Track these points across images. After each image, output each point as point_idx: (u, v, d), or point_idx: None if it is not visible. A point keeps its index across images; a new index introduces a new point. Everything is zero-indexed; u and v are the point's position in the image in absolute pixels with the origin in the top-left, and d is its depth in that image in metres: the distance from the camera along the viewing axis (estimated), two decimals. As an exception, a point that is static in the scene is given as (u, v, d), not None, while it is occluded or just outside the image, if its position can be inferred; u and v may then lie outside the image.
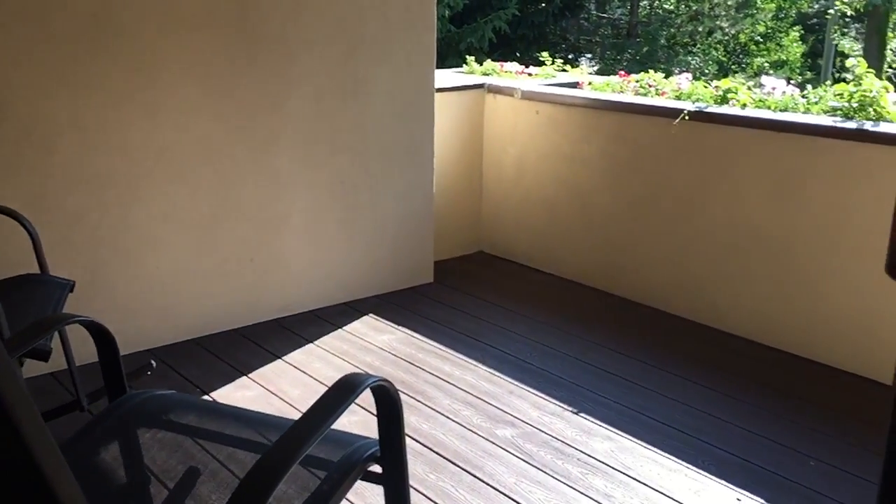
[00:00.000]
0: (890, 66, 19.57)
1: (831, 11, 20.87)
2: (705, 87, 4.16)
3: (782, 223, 3.73)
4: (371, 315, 4.20)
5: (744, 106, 3.93)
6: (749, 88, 4.08)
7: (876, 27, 20.64)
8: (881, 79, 3.68)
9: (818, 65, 23.60)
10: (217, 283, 3.92)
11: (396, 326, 4.07)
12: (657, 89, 4.39)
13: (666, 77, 4.50)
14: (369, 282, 4.41)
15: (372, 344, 3.87)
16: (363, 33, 4.10)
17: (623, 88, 4.54)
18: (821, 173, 3.59)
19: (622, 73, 4.77)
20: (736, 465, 2.91)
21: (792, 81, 4.27)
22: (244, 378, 3.52)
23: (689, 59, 17.88)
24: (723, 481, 2.81)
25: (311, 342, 3.88)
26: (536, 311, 4.30)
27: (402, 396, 3.32)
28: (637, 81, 4.51)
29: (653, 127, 4.11)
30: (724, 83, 4.06)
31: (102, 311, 3.18)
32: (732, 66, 21.79)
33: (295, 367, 3.63)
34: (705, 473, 2.85)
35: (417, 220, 4.52)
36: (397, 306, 4.32)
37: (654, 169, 4.17)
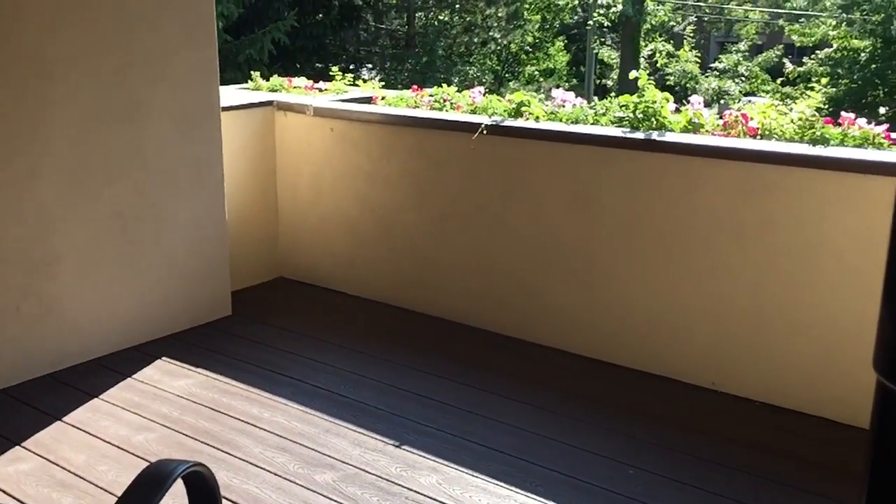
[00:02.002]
0: (646, 70, 21.22)
1: (590, 23, 22.40)
2: (499, 100, 4.17)
3: (581, 232, 3.81)
4: (164, 358, 3.81)
5: (537, 119, 3.97)
6: (540, 101, 4.13)
7: (630, 36, 22.41)
8: (637, 84, 3.84)
9: (581, 72, 25.28)
10: (-25, 338, 3.38)
11: (194, 369, 3.71)
12: (452, 103, 4.35)
13: (459, 91, 4.47)
14: (160, 321, 4.01)
15: (167, 392, 3.50)
16: (135, 48, 3.72)
17: (417, 103, 4.46)
18: (614, 183, 3.69)
19: (415, 87, 4.69)
20: (562, 482, 2.89)
21: (560, 88, 4.38)
22: (17, 448, 3.04)
23: (467, 68, 18.40)
24: (552, 502, 2.77)
25: (96, 396, 3.44)
26: (345, 337, 4.10)
27: (207, 448, 3.04)
28: (431, 96, 4.45)
29: (453, 142, 4.06)
30: (517, 96, 4.09)
31: None
32: (506, 75, 22.77)
33: (78, 428, 3.20)
34: (534, 496, 2.80)
35: (210, 249, 4.18)
36: (194, 346, 3.96)
37: (456, 184, 4.12)
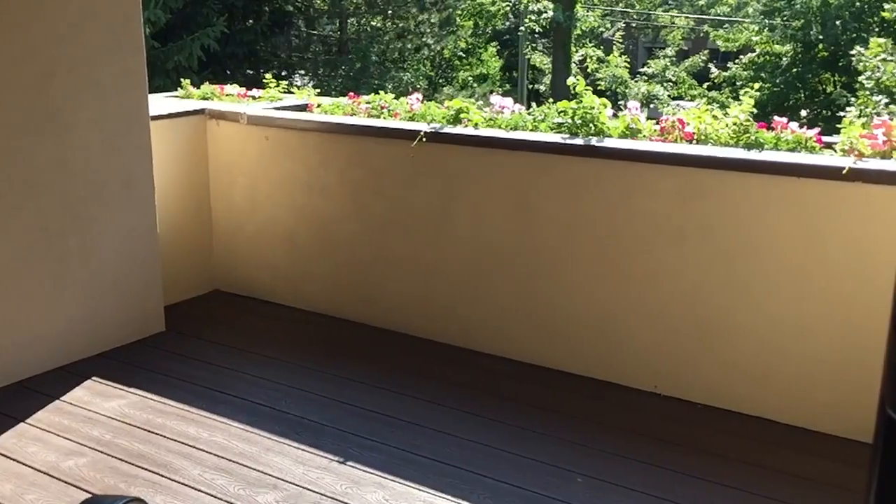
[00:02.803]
0: (578, 75, 21.48)
1: (522, 28, 22.60)
2: (437, 107, 4.13)
3: (523, 239, 3.79)
4: (95, 378, 3.66)
5: (476, 125, 3.94)
6: (478, 107, 4.11)
7: (561, 42, 22.63)
8: (569, 89, 3.85)
9: (514, 77, 25.49)
10: None
11: (127, 388, 3.57)
12: (389, 110, 4.29)
13: (395, 97, 4.42)
14: (89, 339, 3.85)
15: (99, 413, 3.36)
16: (59, 57, 3.57)
17: (354, 110, 4.39)
18: (554, 189, 3.69)
19: (351, 94, 4.62)
20: (510, 493, 2.86)
21: (494, 93, 4.36)
22: (-64, 480, 2.87)
23: (401, 74, 18.34)
24: (501, 514, 2.74)
25: (22, 421, 3.28)
26: (285, 350, 4.01)
27: (143, 473, 2.92)
28: (368, 103, 4.39)
29: (391, 149, 4.01)
30: (456, 103, 4.06)
31: None
32: (440, 81, 22.79)
33: (3, 455, 3.04)
34: (483, 508, 2.76)
35: (141, 263, 4.03)
36: (126, 364, 3.81)
37: (396, 193, 4.06)
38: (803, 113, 17.02)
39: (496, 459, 3.06)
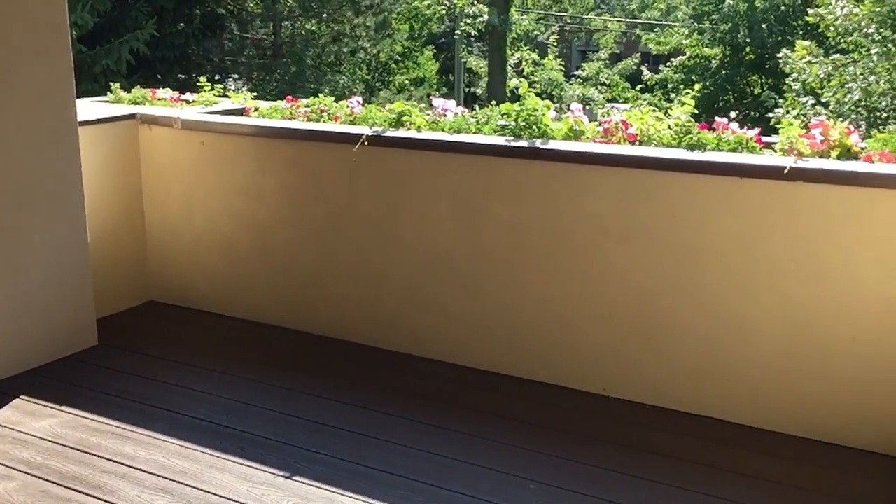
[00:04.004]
0: (513, 78, 21.57)
1: (458, 32, 22.65)
2: (379, 110, 4.06)
3: (469, 242, 3.75)
4: (23, 397, 3.47)
5: (419, 128, 3.88)
6: (421, 110, 4.05)
7: (496, 45, 22.76)
8: (506, 92, 3.84)
9: (451, 81, 25.54)
10: None
11: (58, 407, 3.40)
12: (329, 114, 4.20)
13: (337, 101, 4.33)
14: (16, 356, 3.67)
15: (28, 434, 3.19)
16: (-22, 59, 3.39)
17: (293, 114, 4.29)
18: (500, 191, 3.65)
19: (290, 97, 4.51)
20: (463, 502, 2.80)
21: (432, 96, 4.33)
22: None
23: (337, 78, 18.18)
24: (454, 524, 2.68)
25: (-56, 445, 3.10)
26: (225, 362, 3.88)
27: (77, 496, 2.78)
28: (307, 106, 4.29)
29: (332, 153, 3.92)
30: (398, 105, 3.99)
31: None
32: (377, 84, 22.70)
33: (-76, 483, 2.86)
34: (435, 519, 2.70)
35: (71, 274, 3.86)
36: (57, 381, 3.63)
37: (338, 198, 3.97)
38: (733, 114, 17.36)
39: (448, 468, 3.00)
